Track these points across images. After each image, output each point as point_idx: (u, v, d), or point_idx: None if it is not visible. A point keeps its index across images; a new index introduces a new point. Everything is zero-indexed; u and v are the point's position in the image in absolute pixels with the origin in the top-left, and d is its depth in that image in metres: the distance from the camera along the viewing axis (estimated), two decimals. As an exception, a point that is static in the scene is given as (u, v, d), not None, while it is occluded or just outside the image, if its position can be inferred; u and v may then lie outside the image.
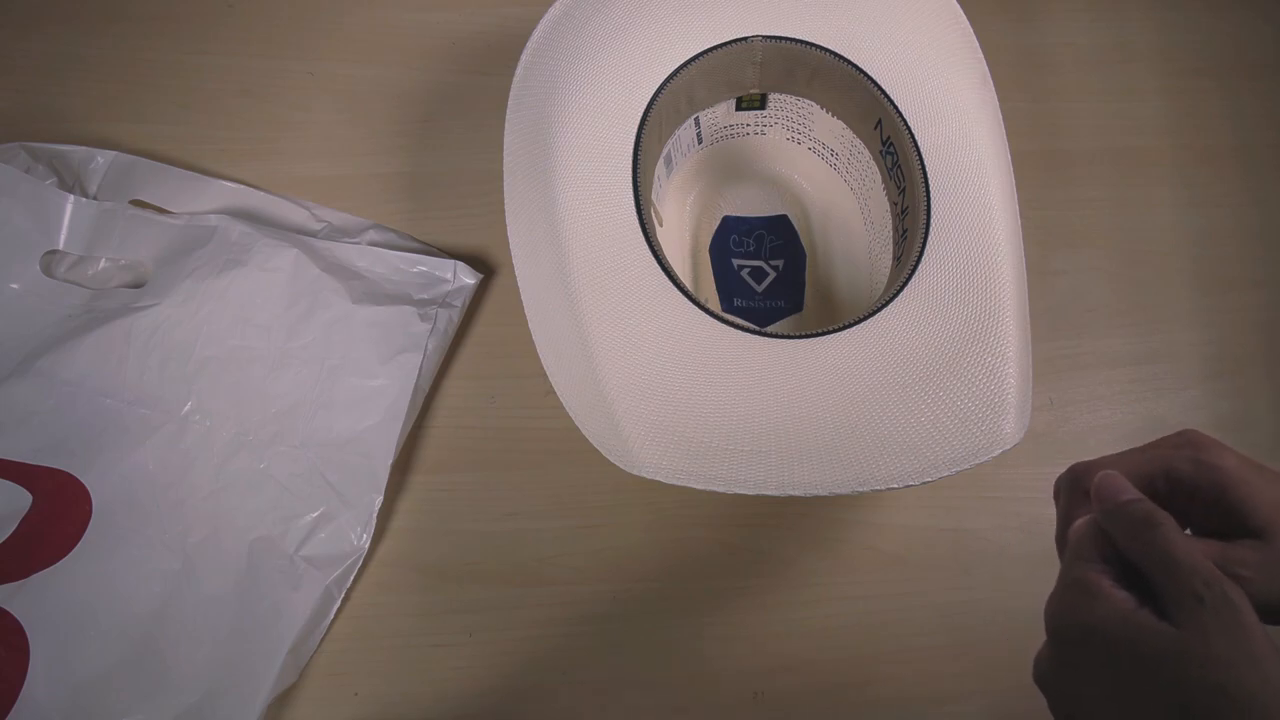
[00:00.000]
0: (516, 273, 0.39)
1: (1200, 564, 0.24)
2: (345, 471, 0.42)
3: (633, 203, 0.38)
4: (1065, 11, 0.55)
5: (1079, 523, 0.28)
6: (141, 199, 0.47)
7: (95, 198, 0.46)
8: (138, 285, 0.45)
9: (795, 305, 0.47)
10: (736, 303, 0.47)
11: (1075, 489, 0.29)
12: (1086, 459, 0.29)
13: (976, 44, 0.42)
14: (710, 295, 0.47)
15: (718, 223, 0.48)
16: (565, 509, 0.44)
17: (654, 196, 0.44)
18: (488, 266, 0.48)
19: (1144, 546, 0.25)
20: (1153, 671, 0.23)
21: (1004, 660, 0.43)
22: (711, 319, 0.37)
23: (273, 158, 0.50)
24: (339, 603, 0.41)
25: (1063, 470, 0.47)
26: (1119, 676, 0.24)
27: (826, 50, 0.41)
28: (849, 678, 0.42)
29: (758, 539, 0.44)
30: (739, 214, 0.49)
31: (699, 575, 0.44)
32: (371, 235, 0.48)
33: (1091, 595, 0.25)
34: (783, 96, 0.46)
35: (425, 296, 0.45)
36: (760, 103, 0.46)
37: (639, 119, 0.40)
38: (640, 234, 0.38)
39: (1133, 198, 0.52)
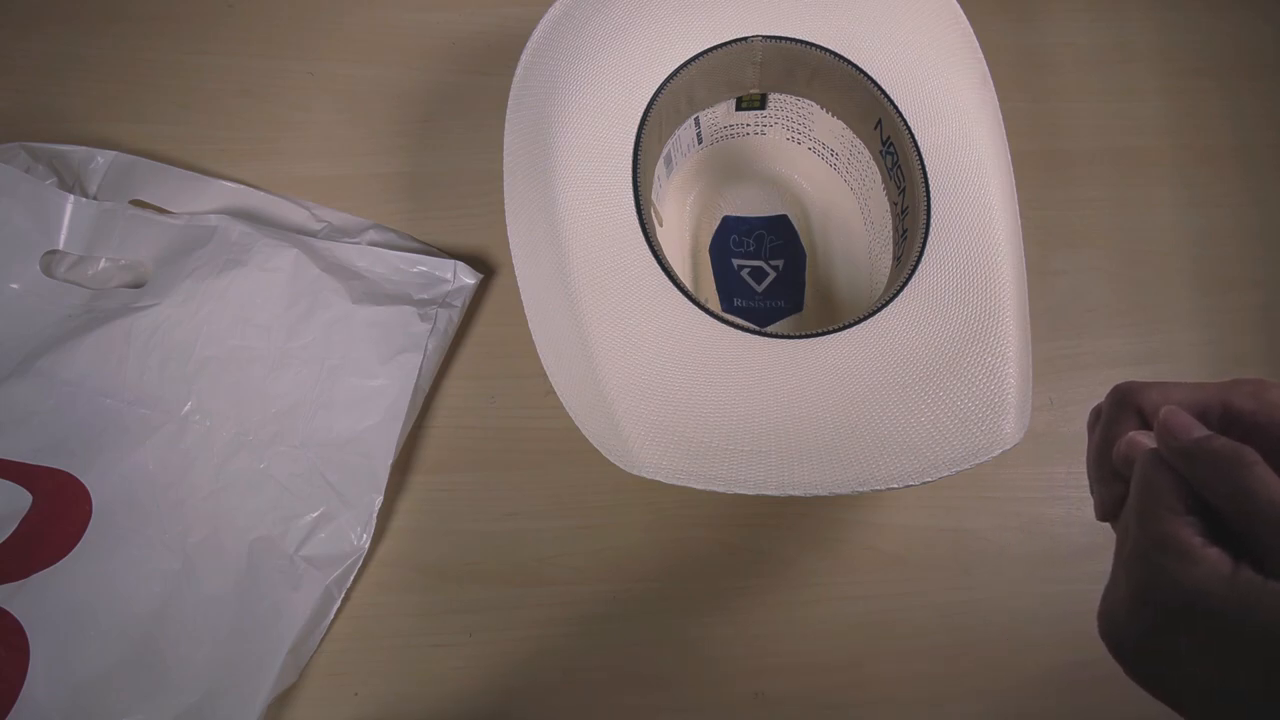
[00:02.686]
0: (516, 273, 0.39)
1: None
2: (345, 471, 0.42)
3: (633, 203, 0.38)
4: (1065, 11, 0.55)
5: (1132, 442, 0.26)
6: (141, 199, 0.47)
7: (95, 198, 0.46)
8: (138, 285, 0.45)
9: (795, 305, 0.47)
10: (736, 303, 0.47)
11: (1123, 406, 0.27)
12: (1138, 380, 0.27)
13: (976, 44, 0.42)
14: (710, 295, 0.47)
15: (718, 223, 0.48)
16: (565, 509, 0.44)
17: (654, 196, 0.44)
18: (488, 266, 0.48)
19: (1237, 491, 0.22)
20: (1267, 636, 0.21)
21: (1004, 660, 0.43)
22: (711, 319, 0.37)
23: (273, 158, 0.50)
24: (339, 603, 0.41)
25: (1062, 469, 0.47)
26: (1226, 644, 0.22)
27: (826, 50, 0.41)
28: (849, 678, 0.42)
29: (758, 539, 0.44)
30: (739, 214, 0.49)
31: (699, 575, 0.44)
32: (371, 235, 0.48)
33: (1186, 556, 0.23)
34: (783, 96, 0.46)
35: (425, 296, 0.45)
36: (760, 103, 0.46)
37: (639, 119, 0.40)
38: (640, 234, 0.38)
39: (1133, 198, 0.52)
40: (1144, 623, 0.24)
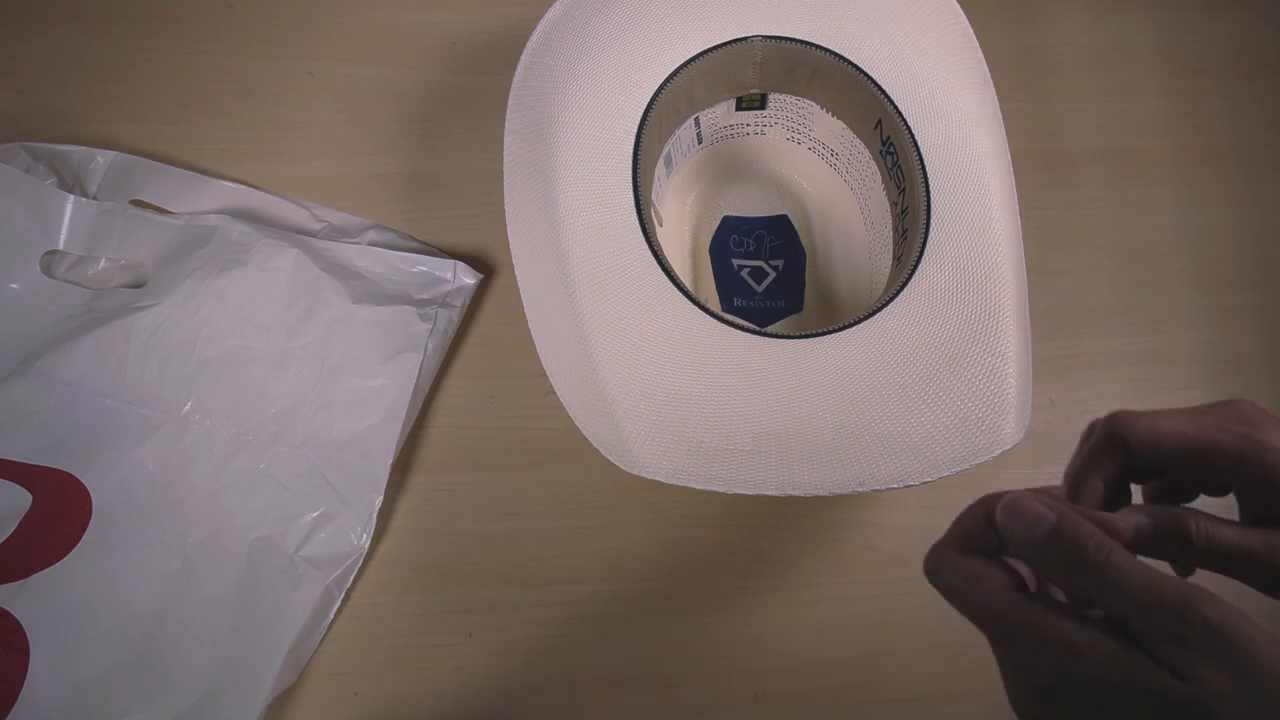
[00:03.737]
0: (516, 273, 0.39)
1: (1169, 594, 0.21)
2: (345, 471, 0.42)
3: (633, 203, 0.38)
4: (1065, 11, 0.55)
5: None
6: (141, 199, 0.47)
7: (95, 198, 0.46)
8: (138, 285, 0.45)
9: (795, 305, 0.47)
10: (736, 303, 0.47)
11: (1111, 437, 0.26)
12: (1134, 410, 0.26)
13: (976, 44, 0.42)
14: (710, 295, 0.47)
15: (718, 223, 0.48)
16: (565, 509, 0.44)
17: (654, 196, 0.44)
18: (488, 266, 0.48)
19: (1092, 583, 0.22)
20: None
21: (1004, 660, 0.43)
22: (711, 319, 0.37)
23: (273, 158, 0.50)
24: (339, 603, 0.41)
25: (1062, 469, 0.47)
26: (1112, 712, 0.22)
27: (826, 50, 0.41)
28: (849, 678, 0.42)
29: (758, 539, 0.44)
30: (739, 214, 0.49)
31: (699, 575, 0.44)
32: (371, 235, 0.48)
33: (1071, 646, 0.22)
34: (783, 96, 0.46)
35: (425, 296, 0.45)
36: (760, 103, 0.46)
37: (639, 119, 0.40)
38: (640, 234, 0.38)
39: (1133, 198, 0.52)
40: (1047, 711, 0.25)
